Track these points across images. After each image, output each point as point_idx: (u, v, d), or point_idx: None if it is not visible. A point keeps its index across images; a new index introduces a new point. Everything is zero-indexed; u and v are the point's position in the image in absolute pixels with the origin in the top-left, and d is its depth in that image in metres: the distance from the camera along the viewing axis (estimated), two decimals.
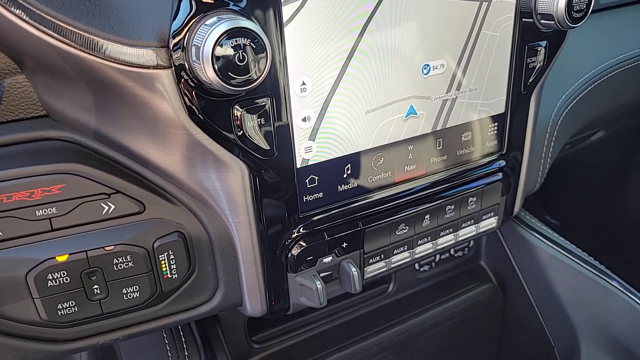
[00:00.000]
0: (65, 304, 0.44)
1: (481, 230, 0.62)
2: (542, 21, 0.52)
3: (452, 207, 0.58)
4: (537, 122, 0.62)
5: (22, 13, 0.36)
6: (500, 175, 0.60)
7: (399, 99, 0.49)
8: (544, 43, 0.55)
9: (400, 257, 0.57)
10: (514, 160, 0.61)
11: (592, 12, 0.79)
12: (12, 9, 0.35)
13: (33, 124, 0.45)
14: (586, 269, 0.75)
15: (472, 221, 0.61)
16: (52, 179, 0.42)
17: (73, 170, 0.42)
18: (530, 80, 0.56)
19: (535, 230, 0.78)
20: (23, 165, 0.41)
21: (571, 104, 0.70)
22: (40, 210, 0.41)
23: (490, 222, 0.62)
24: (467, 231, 0.61)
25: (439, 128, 0.53)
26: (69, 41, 0.36)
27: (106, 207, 0.43)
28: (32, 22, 0.35)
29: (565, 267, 0.76)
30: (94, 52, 0.36)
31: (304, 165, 0.46)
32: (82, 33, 0.36)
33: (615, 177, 1.11)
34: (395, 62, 0.47)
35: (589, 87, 0.72)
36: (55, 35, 0.36)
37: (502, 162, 0.60)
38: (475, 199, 0.59)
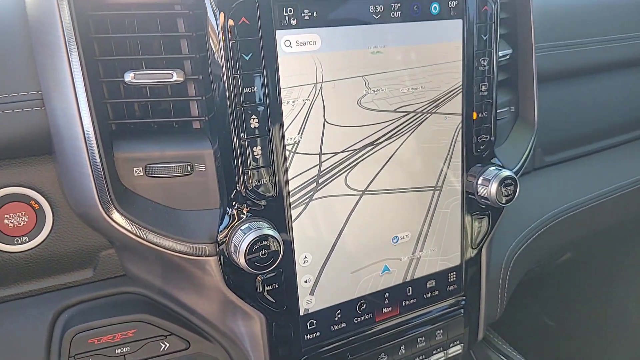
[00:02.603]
0: None
1: (450, 356, 0.77)
2: (482, 200, 0.71)
3: (423, 338, 0.74)
4: (491, 266, 0.79)
5: (125, 222, 0.55)
6: (461, 312, 0.76)
7: (377, 261, 0.67)
8: (486, 213, 0.74)
9: None
10: (472, 298, 0.78)
11: (536, 168, 1.00)
12: (115, 219, 0.55)
13: (116, 282, 0.64)
14: None
15: (440, 349, 0.76)
16: (128, 326, 0.60)
17: (143, 319, 0.60)
18: (478, 240, 0.74)
19: (503, 354, 0.92)
20: (110, 316, 0.60)
21: (522, 248, 0.87)
22: (119, 349, 0.59)
23: (456, 349, 0.78)
24: (437, 357, 0.76)
25: (408, 279, 0.70)
26: (150, 243, 0.55)
27: (163, 345, 0.61)
28: (130, 229, 0.55)
29: None
30: (168, 248, 0.55)
31: (306, 313, 0.64)
32: (162, 236, 0.55)
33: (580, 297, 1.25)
34: (372, 236, 0.66)
35: (537, 233, 0.89)
36: (144, 237, 0.55)
37: (463, 301, 0.76)
38: (442, 331, 0.75)
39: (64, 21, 0.50)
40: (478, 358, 0.94)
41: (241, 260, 0.54)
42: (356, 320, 0.68)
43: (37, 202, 0.59)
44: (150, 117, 0.58)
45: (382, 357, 0.71)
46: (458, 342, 0.77)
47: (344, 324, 0.67)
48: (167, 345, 0.60)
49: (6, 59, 0.54)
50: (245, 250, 0.54)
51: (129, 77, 0.54)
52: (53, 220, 0.60)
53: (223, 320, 0.61)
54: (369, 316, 0.69)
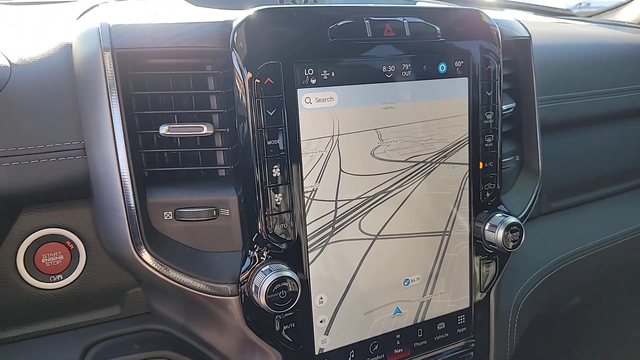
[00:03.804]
0: None
1: None
2: (489, 246, 0.74)
3: None
4: (499, 309, 0.81)
5: (155, 262, 0.59)
6: (471, 354, 0.78)
7: (388, 302, 0.70)
8: (493, 258, 0.77)
9: None
10: (482, 340, 0.80)
11: (542, 214, 1.03)
12: (145, 259, 0.59)
13: (141, 319, 0.67)
14: None
15: None
16: None
17: (166, 356, 0.63)
18: (487, 284, 0.77)
19: None
20: (135, 352, 0.63)
21: (530, 292, 0.90)
22: None
23: None
24: None
25: (419, 321, 0.73)
26: (177, 282, 0.59)
27: None
28: (158, 269, 0.59)
29: None
30: (193, 287, 0.59)
31: (320, 352, 0.66)
32: (188, 276, 0.59)
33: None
34: (384, 279, 0.69)
35: (545, 277, 0.92)
36: (170, 277, 0.59)
37: (472, 343, 0.78)
38: None
39: (108, 79, 0.56)
40: None
41: (262, 300, 0.58)
42: None
43: (72, 242, 0.64)
44: (180, 165, 0.63)
45: None
46: None
47: None
48: None
49: (53, 111, 0.60)
50: (266, 291, 0.57)
51: (163, 129, 0.59)
52: (86, 259, 0.64)
53: (241, 358, 0.64)
54: (381, 357, 0.71)
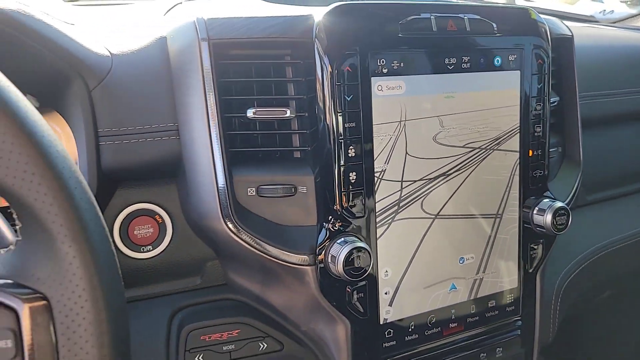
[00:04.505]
0: None
1: None
2: (537, 229, 0.80)
3: (485, 354, 0.80)
4: (544, 291, 0.86)
5: (242, 233, 0.65)
6: (518, 332, 0.83)
7: (445, 279, 0.75)
8: (541, 241, 0.82)
9: None
10: (528, 319, 0.84)
11: (579, 206, 1.07)
12: (234, 230, 0.65)
13: (218, 289, 0.73)
14: None
15: None
16: (233, 326, 0.68)
17: (245, 321, 0.69)
18: (534, 265, 0.82)
19: None
20: (216, 317, 0.69)
21: (570, 277, 0.94)
22: (225, 347, 0.67)
23: None
24: None
25: (472, 298, 0.78)
26: (260, 251, 0.65)
27: (262, 346, 0.69)
28: (245, 239, 0.65)
29: None
30: (275, 257, 0.65)
31: (385, 322, 0.72)
32: (271, 246, 0.65)
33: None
34: (442, 256, 0.74)
35: (582, 266, 0.96)
36: (255, 246, 0.65)
37: (519, 322, 0.83)
38: (501, 348, 0.82)
39: (205, 67, 0.63)
40: None
41: (339, 269, 0.63)
42: (426, 332, 0.75)
43: (160, 216, 0.70)
44: (259, 147, 0.69)
45: None
46: None
47: (416, 335, 0.74)
48: (265, 345, 0.69)
49: (150, 96, 0.67)
50: (343, 260, 0.63)
51: (250, 113, 0.65)
52: (172, 233, 0.71)
53: (312, 325, 0.70)
54: (437, 330, 0.76)
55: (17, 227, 0.37)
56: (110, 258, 0.38)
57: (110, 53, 0.67)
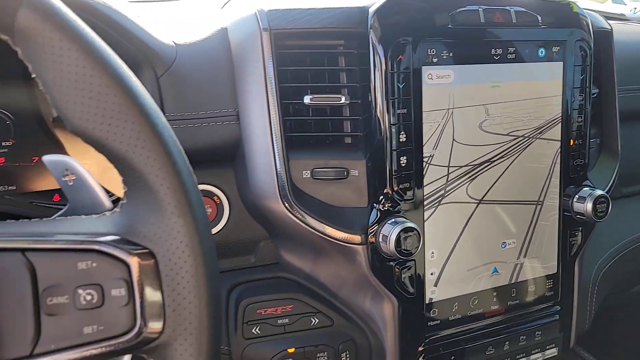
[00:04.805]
0: None
1: (546, 357, 0.86)
2: (577, 216, 0.82)
3: (524, 337, 0.83)
4: (582, 279, 0.88)
5: (299, 212, 0.69)
6: (557, 317, 0.85)
7: (488, 262, 0.78)
8: (580, 228, 0.84)
9: None
10: (566, 305, 0.86)
11: (614, 198, 1.09)
12: (291, 210, 0.69)
13: (271, 268, 0.77)
14: None
15: (538, 349, 0.84)
16: (287, 302, 0.72)
17: (298, 297, 0.73)
18: (573, 252, 0.84)
19: None
20: (270, 293, 0.73)
21: (607, 266, 0.96)
22: (280, 320, 0.71)
23: (552, 352, 0.86)
24: (535, 357, 0.85)
25: (513, 282, 0.81)
26: (315, 230, 0.68)
27: (313, 321, 0.73)
28: (301, 218, 0.68)
29: None
30: (330, 235, 0.68)
31: (430, 301, 0.75)
32: (325, 224, 0.68)
33: None
34: (485, 240, 0.77)
35: (618, 256, 0.98)
36: (311, 225, 0.68)
37: (558, 307, 0.85)
38: (540, 332, 0.84)
39: (266, 57, 0.67)
40: None
41: (391, 247, 0.67)
42: (469, 313, 0.78)
43: (218, 197, 0.74)
44: (313, 132, 0.72)
45: (490, 350, 0.80)
46: (554, 345, 0.86)
47: (459, 316, 0.77)
48: (317, 320, 0.72)
49: (212, 83, 0.71)
50: (395, 240, 0.66)
51: (307, 99, 0.69)
52: (229, 213, 0.75)
53: (363, 302, 0.73)
54: (479, 311, 0.79)
55: (124, 190, 0.41)
56: (205, 219, 0.42)
57: (175, 43, 0.71)
